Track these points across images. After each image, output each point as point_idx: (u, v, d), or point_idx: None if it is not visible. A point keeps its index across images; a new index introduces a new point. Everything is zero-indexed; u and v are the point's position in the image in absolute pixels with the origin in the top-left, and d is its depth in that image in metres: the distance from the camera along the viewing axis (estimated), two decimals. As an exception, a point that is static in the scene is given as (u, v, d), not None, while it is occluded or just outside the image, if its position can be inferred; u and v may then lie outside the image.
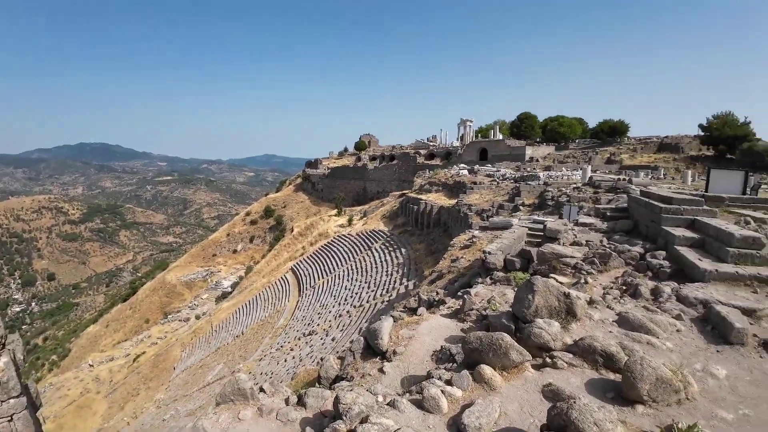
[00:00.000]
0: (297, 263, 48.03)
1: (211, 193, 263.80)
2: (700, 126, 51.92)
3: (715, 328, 5.24)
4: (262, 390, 5.15)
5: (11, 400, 4.41)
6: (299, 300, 39.29)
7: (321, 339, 26.33)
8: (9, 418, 4.42)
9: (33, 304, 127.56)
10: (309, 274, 43.31)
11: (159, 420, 26.73)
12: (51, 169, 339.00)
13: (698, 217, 9.19)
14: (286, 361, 25.46)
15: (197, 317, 55.92)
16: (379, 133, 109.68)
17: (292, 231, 64.89)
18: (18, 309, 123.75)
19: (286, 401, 4.93)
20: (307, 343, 27.22)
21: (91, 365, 51.56)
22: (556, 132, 65.34)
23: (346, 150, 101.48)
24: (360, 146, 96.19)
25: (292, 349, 27.52)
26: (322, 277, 40.35)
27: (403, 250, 34.28)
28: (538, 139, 65.87)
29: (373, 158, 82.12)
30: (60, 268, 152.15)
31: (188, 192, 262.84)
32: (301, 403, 4.78)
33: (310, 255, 47.59)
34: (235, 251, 78.00)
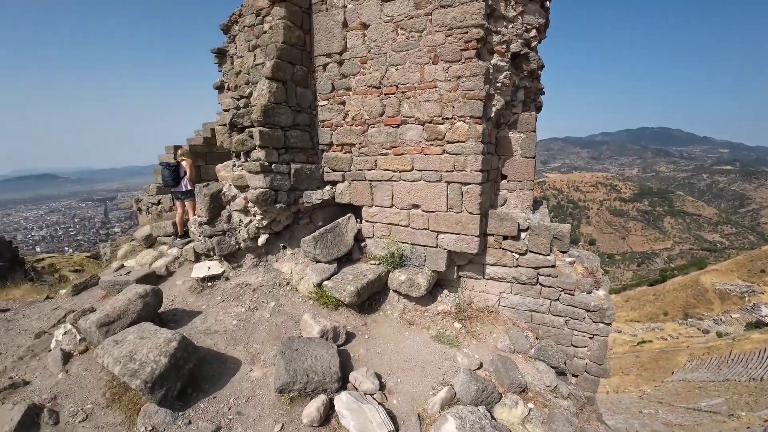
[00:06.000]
0: None
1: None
2: None
3: None
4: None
5: (600, 324, 5.18)
6: None
7: None
8: (591, 336, 5.24)
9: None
10: None
11: (636, 408, 28.29)
12: (611, 151, 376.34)
13: None
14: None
15: (718, 335, 49.36)
16: None
17: None
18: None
19: None
20: None
21: (599, 327, 59.00)
22: None
23: None
24: None
25: None
26: None
27: None
28: None
29: None
30: (601, 236, 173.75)
31: (748, 186, 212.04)
32: None
33: None
34: (786, 274, 59.39)
